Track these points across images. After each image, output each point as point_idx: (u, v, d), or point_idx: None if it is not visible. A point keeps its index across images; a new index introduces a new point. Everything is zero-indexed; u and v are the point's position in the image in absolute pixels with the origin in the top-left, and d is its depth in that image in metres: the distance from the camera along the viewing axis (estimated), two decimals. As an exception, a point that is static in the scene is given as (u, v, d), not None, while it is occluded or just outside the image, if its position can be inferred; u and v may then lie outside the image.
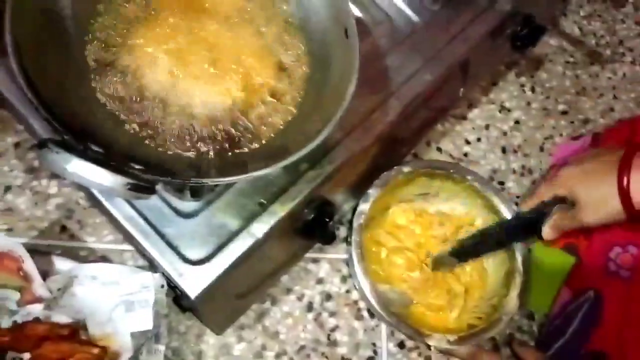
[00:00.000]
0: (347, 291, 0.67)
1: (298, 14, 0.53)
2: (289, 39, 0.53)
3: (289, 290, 0.65)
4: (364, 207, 0.62)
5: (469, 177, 0.65)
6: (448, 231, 0.68)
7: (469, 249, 0.62)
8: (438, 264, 0.65)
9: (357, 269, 0.60)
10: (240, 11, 0.52)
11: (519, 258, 0.62)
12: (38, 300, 0.53)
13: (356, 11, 0.62)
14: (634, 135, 0.69)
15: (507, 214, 0.64)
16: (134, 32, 0.48)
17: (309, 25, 0.53)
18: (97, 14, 0.48)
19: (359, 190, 0.64)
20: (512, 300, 0.61)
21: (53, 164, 0.35)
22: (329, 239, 0.59)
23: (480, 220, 0.67)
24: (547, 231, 0.56)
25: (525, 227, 0.59)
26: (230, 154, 0.47)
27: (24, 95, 0.41)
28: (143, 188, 0.38)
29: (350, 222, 0.62)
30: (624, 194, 0.49)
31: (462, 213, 0.68)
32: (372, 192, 0.63)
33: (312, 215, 0.56)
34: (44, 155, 0.36)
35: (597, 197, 0.51)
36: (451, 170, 0.66)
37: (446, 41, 0.63)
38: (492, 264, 0.66)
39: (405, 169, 0.64)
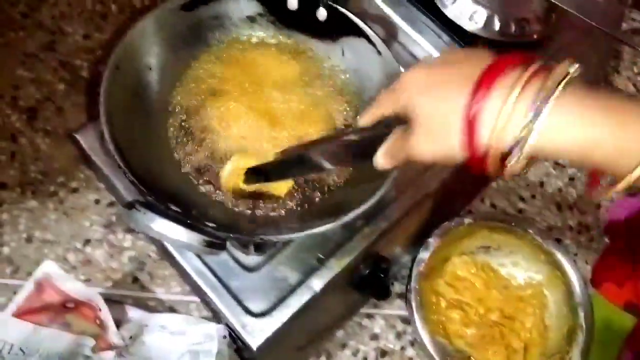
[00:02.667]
0: (402, 348, 0.67)
1: (354, 82, 0.58)
2: (346, 105, 0.57)
3: (344, 346, 0.67)
4: (423, 255, 0.63)
5: (530, 231, 0.65)
6: (508, 297, 0.68)
7: (284, 165, 0.49)
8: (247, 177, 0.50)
9: (416, 316, 0.60)
10: (299, 82, 0.57)
11: (581, 314, 0.61)
12: (111, 347, 0.56)
13: (409, 76, 0.66)
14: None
15: (571, 271, 0.63)
16: (208, 106, 0.54)
17: (364, 92, 0.57)
18: (177, 91, 0.54)
19: (413, 246, 0.66)
20: (575, 358, 0.59)
21: (138, 223, 0.40)
22: (383, 294, 0.60)
23: (549, 293, 0.66)
24: (379, 159, 0.40)
25: (359, 148, 0.43)
26: (292, 212, 0.50)
27: (110, 159, 0.46)
28: (216, 244, 0.41)
29: (408, 276, 0.63)
30: (469, 124, 0.32)
31: (526, 277, 0.68)
32: (432, 241, 0.64)
33: (368, 271, 0.58)
34: (131, 214, 0.40)
35: (437, 118, 0.34)
36: (512, 224, 0.66)
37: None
38: (554, 320, 0.65)
39: (466, 221, 0.65)
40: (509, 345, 0.64)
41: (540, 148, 0.31)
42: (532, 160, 0.32)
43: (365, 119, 0.43)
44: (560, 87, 0.31)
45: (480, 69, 0.33)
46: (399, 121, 0.38)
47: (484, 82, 0.32)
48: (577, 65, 0.31)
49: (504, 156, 0.32)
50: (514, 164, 0.32)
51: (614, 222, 0.77)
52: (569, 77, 0.31)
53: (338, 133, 0.53)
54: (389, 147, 0.39)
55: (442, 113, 0.34)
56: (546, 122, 0.30)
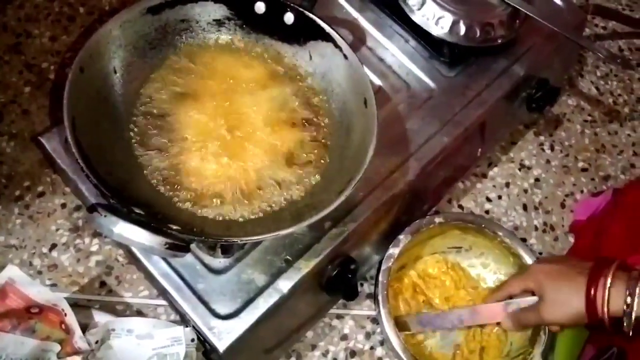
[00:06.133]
0: (372, 348, 0.68)
1: (321, 87, 0.58)
2: (314, 109, 0.57)
3: (313, 347, 0.67)
4: (393, 251, 0.63)
5: (500, 233, 0.66)
6: (476, 297, 0.69)
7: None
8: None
9: (382, 310, 0.60)
10: (266, 86, 0.57)
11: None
12: (77, 352, 0.56)
13: (377, 80, 0.67)
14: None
15: None
16: (174, 110, 0.54)
17: (331, 96, 0.58)
18: (143, 94, 0.54)
19: (382, 248, 0.66)
20: (536, 358, 0.61)
21: (101, 226, 0.40)
22: (352, 294, 0.61)
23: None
24: (507, 322, 0.59)
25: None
26: (258, 215, 0.51)
27: (74, 162, 0.46)
28: (179, 247, 0.42)
29: (377, 271, 0.63)
30: (590, 302, 0.51)
31: (495, 279, 0.69)
32: (403, 237, 0.64)
33: (336, 272, 0.59)
34: (93, 218, 0.40)
35: (562, 297, 0.53)
36: (483, 225, 0.67)
37: (462, 105, 0.67)
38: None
39: (437, 220, 0.66)
40: (468, 345, 0.66)
41: None
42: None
43: (496, 296, 0.62)
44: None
45: (586, 267, 0.53)
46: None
47: (593, 279, 0.51)
48: None
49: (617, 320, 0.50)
50: (626, 326, 0.50)
51: (578, 222, 0.79)
52: None
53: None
54: (517, 314, 0.59)
55: (566, 293, 0.53)
56: None
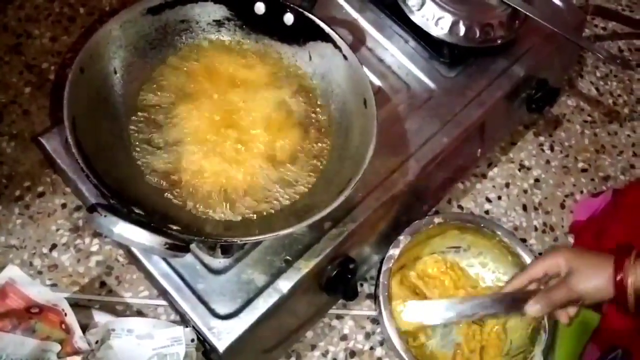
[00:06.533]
0: (371, 348, 0.68)
1: (321, 87, 0.58)
2: (313, 109, 0.58)
3: (313, 347, 0.67)
4: (393, 252, 0.64)
5: (498, 232, 0.67)
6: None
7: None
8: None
9: (384, 311, 0.61)
10: (267, 87, 0.57)
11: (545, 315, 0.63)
12: (77, 352, 0.56)
13: (376, 81, 0.67)
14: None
15: None
16: (174, 110, 0.54)
17: (331, 97, 0.58)
18: (142, 95, 0.54)
19: (382, 248, 0.66)
20: (537, 357, 0.61)
21: (100, 226, 0.40)
22: (351, 295, 0.61)
23: None
24: (533, 307, 0.57)
25: (511, 303, 0.60)
26: (258, 215, 0.51)
27: (74, 162, 0.46)
28: (179, 247, 0.42)
29: (377, 272, 0.63)
30: (618, 283, 0.54)
31: (494, 278, 0.70)
32: (403, 238, 0.65)
33: (335, 272, 0.59)
34: (93, 218, 0.40)
35: (592, 269, 0.56)
36: (482, 225, 0.67)
37: (462, 106, 0.67)
38: (519, 321, 0.66)
39: (436, 220, 0.66)
40: (468, 344, 0.66)
41: None
42: None
43: (516, 283, 0.61)
44: None
45: (611, 257, 0.55)
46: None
47: (620, 256, 0.54)
48: None
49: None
50: None
51: (578, 223, 0.79)
52: None
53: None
54: (548, 296, 0.57)
55: (595, 264, 0.56)
56: None
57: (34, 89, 0.76)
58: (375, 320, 0.69)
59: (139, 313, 0.64)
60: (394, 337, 0.60)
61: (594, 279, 0.55)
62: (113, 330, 0.58)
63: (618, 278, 0.53)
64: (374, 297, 0.64)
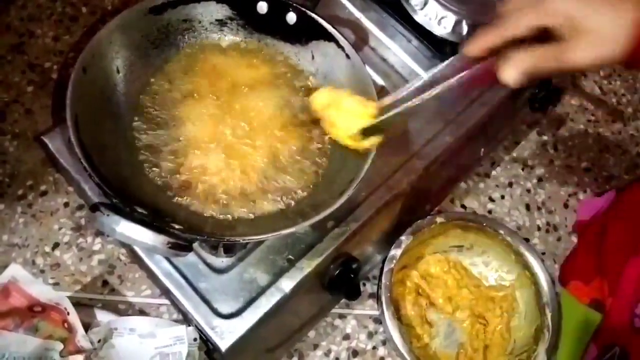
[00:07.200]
0: (374, 347, 0.68)
1: (324, 85, 0.58)
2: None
3: (315, 346, 0.67)
4: (395, 252, 0.64)
5: (501, 231, 0.67)
6: (478, 296, 0.69)
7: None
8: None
9: (386, 312, 0.61)
10: (270, 87, 0.57)
11: (548, 314, 0.63)
12: (80, 351, 0.56)
13: (379, 80, 0.67)
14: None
15: (540, 271, 0.65)
16: (176, 109, 0.54)
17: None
18: (145, 94, 0.54)
19: (385, 247, 0.66)
20: (541, 356, 0.61)
21: (103, 225, 0.40)
22: (354, 294, 0.61)
23: (519, 294, 0.67)
24: (510, 76, 0.40)
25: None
26: (260, 214, 0.51)
27: (77, 161, 0.46)
28: (182, 246, 0.42)
29: (380, 273, 0.63)
30: None
31: (497, 277, 0.69)
32: (404, 238, 0.65)
33: (338, 271, 0.59)
34: (96, 217, 0.40)
35: (607, 24, 0.39)
36: (484, 224, 0.67)
37: (465, 105, 0.66)
38: (523, 320, 0.66)
39: (439, 219, 0.66)
40: (471, 344, 0.66)
41: None
42: None
43: (480, 45, 0.42)
44: None
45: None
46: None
47: None
48: None
49: None
50: None
51: (582, 222, 0.79)
52: None
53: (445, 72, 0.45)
54: (530, 60, 0.40)
55: (610, 19, 0.38)
56: None
57: (37, 88, 0.76)
58: (378, 320, 0.69)
59: (142, 312, 0.64)
60: (396, 337, 0.60)
61: (606, 42, 0.39)
62: (115, 329, 0.58)
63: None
64: (377, 297, 0.64)
